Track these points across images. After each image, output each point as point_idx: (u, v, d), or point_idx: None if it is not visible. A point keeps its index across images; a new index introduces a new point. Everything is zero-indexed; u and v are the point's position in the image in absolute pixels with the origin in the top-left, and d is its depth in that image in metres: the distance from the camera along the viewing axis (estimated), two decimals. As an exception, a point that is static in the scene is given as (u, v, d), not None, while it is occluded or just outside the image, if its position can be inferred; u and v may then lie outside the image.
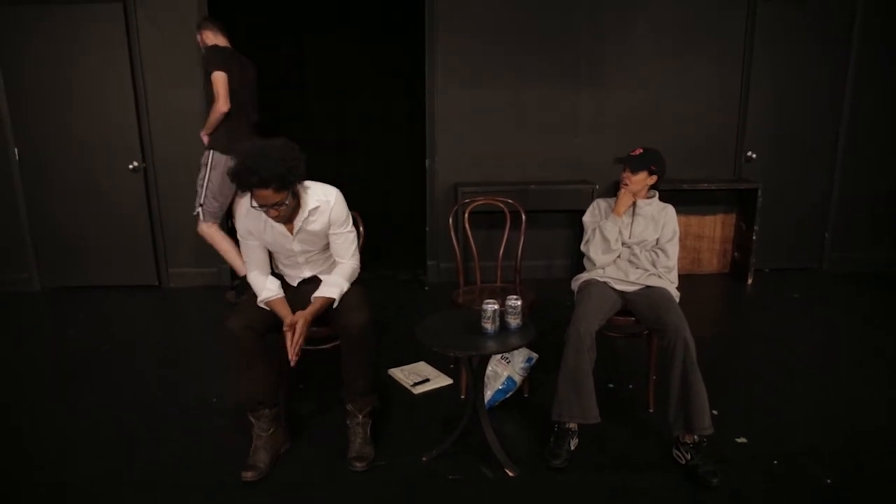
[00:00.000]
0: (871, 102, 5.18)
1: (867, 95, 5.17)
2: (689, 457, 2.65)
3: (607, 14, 4.92)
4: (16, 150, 4.83)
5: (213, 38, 4.28)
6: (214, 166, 4.23)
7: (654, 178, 3.01)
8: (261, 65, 4.70)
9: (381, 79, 5.43)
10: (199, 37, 4.35)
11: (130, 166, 4.87)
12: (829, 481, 2.57)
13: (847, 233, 5.47)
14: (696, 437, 2.65)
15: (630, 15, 4.94)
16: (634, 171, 2.97)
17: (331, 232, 2.77)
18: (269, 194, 2.46)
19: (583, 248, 3.13)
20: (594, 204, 3.18)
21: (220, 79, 4.11)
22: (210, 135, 4.30)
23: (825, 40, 5.07)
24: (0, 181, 4.88)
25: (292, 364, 2.59)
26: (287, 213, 2.60)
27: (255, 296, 2.74)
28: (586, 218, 3.14)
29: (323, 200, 2.70)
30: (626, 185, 3.01)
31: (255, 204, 2.54)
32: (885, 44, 5.06)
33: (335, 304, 2.73)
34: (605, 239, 3.01)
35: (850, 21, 5.03)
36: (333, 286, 2.74)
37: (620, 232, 3.03)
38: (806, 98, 5.17)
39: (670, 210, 3.08)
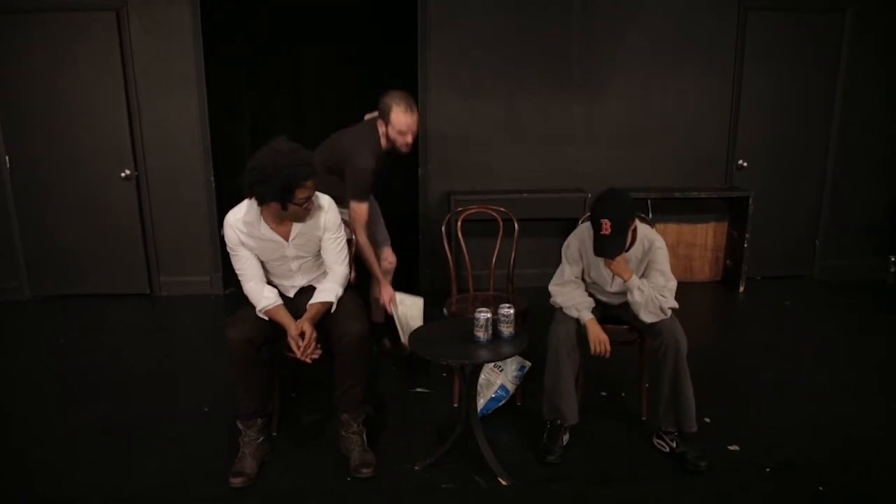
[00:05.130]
0: (860, 111, 5.22)
1: (857, 104, 5.20)
2: (674, 445, 2.77)
3: (600, 25, 4.95)
4: (7, 157, 4.79)
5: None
6: None
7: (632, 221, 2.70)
8: (256, 76, 4.68)
9: (375, 88, 5.43)
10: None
11: (123, 174, 4.84)
12: (820, 489, 2.58)
13: (837, 241, 5.50)
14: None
15: (623, 26, 4.97)
16: (614, 256, 2.66)
17: (324, 237, 2.78)
18: (312, 184, 2.53)
19: (550, 286, 2.98)
20: (572, 244, 2.94)
21: None
22: None
23: (815, 51, 5.10)
24: (-9, 189, 4.86)
25: (310, 360, 2.61)
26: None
27: (252, 307, 2.73)
28: (565, 251, 2.96)
29: (317, 205, 2.73)
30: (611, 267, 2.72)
31: (297, 201, 2.51)
32: (875, 55, 5.10)
33: (332, 309, 2.75)
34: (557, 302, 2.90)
35: (840, 32, 5.08)
36: (329, 291, 2.76)
37: (601, 281, 2.89)
38: (796, 107, 5.21)
39: (656, 245, 2.77)
